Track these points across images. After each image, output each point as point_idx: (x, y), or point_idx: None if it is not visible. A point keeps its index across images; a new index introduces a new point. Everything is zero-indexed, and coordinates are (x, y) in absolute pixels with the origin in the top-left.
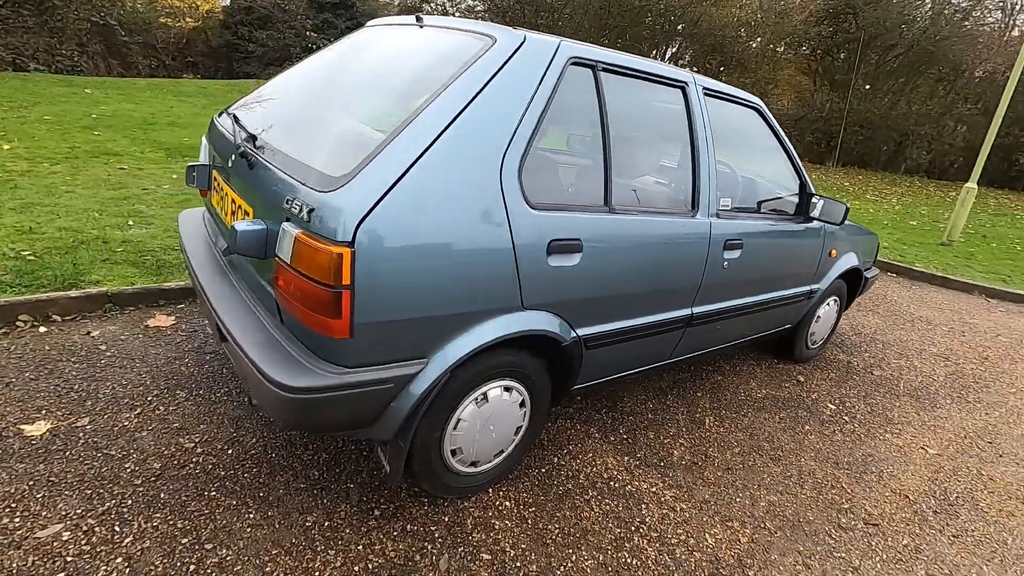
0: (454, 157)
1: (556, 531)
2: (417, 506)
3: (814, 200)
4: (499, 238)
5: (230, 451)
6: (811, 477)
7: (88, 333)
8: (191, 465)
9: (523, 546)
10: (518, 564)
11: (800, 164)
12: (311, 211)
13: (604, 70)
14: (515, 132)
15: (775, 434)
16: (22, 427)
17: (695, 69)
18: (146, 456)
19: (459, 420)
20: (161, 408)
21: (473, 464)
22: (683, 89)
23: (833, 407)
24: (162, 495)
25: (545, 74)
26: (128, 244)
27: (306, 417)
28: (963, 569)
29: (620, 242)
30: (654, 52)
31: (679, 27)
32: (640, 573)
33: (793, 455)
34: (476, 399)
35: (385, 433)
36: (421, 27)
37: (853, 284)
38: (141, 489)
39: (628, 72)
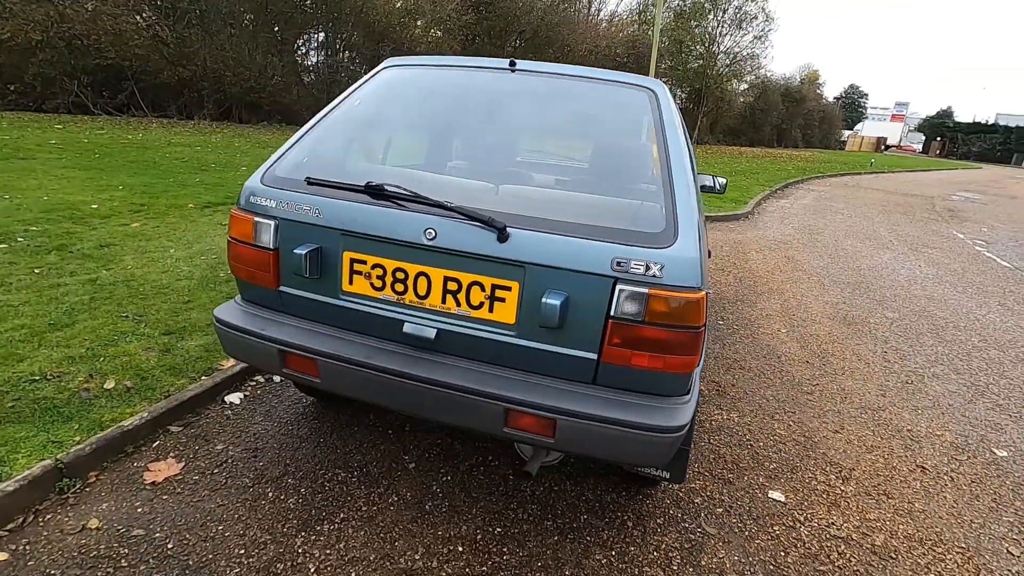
0: (695, 191)
1: (725, 471)
2: (639, 504)
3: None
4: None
5: (460, 548)
6: (768, 371)
7: (84, 527)
8: None
9: (724, 490)
10: (736, 499)
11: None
12: (662, 267)
13: None
14: (690, 159)
15: (723, 352)
16: None
17: (351, 56)
18: None
19: None
20: (328, 551)
21: None
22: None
23: (722, 323)
24: None
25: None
26: None
27: (673, 450)
28: (848, 392)
29: None
30: (308, 40)
31: (346, 11)
32: (783, 467)
33: (744, 361)
34: None
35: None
36: (513, 71)
37: None
38: None
39: None
